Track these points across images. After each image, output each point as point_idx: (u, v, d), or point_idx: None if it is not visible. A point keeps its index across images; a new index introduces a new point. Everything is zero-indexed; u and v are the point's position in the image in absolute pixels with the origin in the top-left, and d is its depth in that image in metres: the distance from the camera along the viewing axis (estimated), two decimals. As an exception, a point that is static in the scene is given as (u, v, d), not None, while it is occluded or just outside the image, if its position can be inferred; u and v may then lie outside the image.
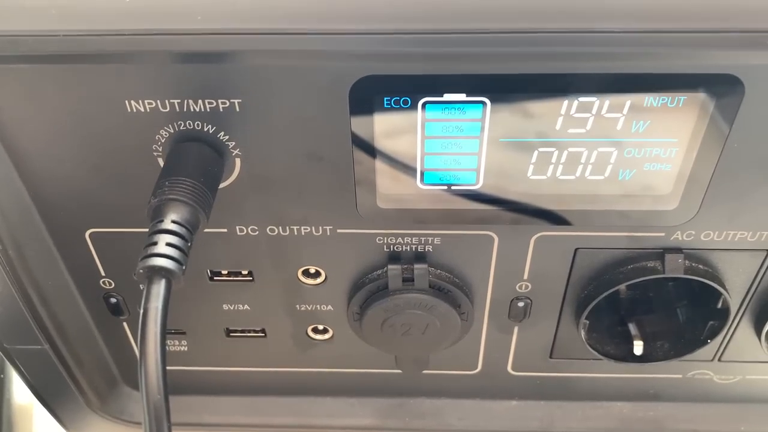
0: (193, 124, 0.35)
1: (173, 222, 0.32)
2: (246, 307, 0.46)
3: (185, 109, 0.34)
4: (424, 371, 0.50)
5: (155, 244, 0.31)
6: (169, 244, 0.31)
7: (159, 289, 0.31)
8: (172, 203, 0.33)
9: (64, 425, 0.53)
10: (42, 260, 0.43)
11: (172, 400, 0.53)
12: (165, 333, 0.30)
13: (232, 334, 0.49)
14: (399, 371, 0.50)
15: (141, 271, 0.31)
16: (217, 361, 0.51)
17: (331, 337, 0.48)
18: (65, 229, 0.42)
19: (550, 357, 0.49)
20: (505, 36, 0.31)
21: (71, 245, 0.43)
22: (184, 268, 0.32)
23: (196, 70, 0.33)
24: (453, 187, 0.38)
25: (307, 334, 0.48)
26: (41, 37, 0.31)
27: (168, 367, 0.50)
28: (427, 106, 0.35)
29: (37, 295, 0.43)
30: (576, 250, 0.42)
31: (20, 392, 0.66)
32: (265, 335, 0.48)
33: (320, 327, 0.48)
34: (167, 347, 0.49)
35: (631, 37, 0.31)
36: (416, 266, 0.42)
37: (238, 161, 0.37)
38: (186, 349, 0.50)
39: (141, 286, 0.34)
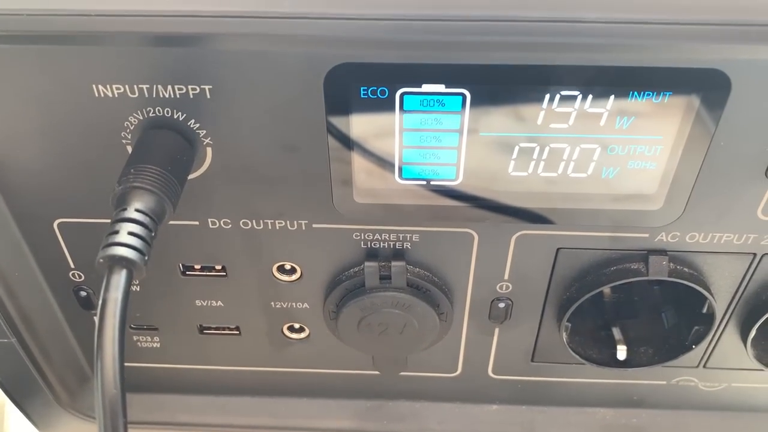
0: (163, 111, 0.34)
1: (137, 211, 0.31)
2: (219, 303, 0.45)
3: (154, 95, 0.33)
4: (403, 373, 0.49)
5: (117, 233, 0.30)
6: (131, 234, 0.30)
7: (119, 279, 0.29)
8: (136, 191, 0.31)
9: (33, 421, 0.52)
10: (9, 251, 0.42)
11: (144, 398, 0.53)
12: (124, 325, 0.29)
13: (205, 331, 0.47)
14: (377, 372, 0.49)
15: (101, 260, 0.30)
16: (190, 358, 0.50)
17: (308, 336, 0.47)
18: (33, 219, 0.40)
19: (532, 360, 0.48)
20: (485, 24, 0.30)
21: (39, 236, 0.41)
22: (146, 258, 0.30)
23: (165, 53, 0.32)
24: (432, 183, 0.37)
25: (282, 332, 0.47)
26: (4, 15, 0.30)
27: (140, 364, 0.50)
28: (405, 97, 0.34)
29: (3, 286, 0.42)
30: (558, 250, 0.40)
31: (-9, 389, 0.64)
32: (240, 333, 0.47)
33: (296, 325, 0.47)
34: (139, 343, 0.48)
35: (615, 27, 0.30)
36: (394, 263, 0.41)
37: (209, 150, 0.36)
38: (158, 345, 0.48)
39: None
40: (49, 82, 0.33)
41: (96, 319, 0.29)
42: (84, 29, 0.31)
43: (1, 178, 0.38)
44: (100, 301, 0.29)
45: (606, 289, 0.43)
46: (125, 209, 0.31)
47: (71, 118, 0.34)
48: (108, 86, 0.33)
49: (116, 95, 0.33)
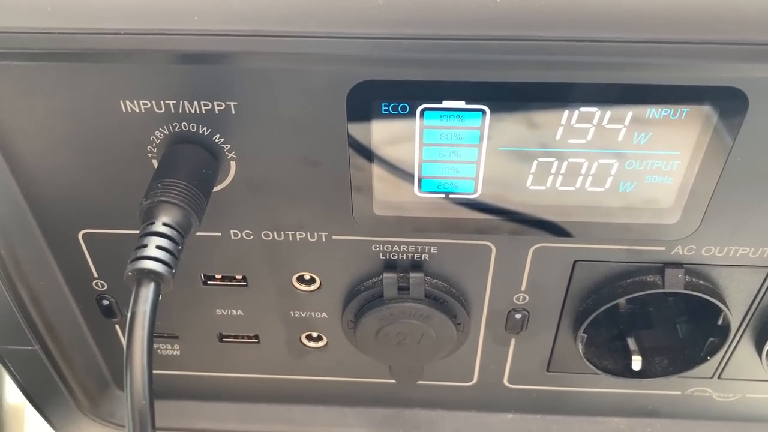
0: (189, 126, 0.35)
1: (164, 225, 0.32)
2: (239, 312, 0.45)
3: (180, 111, 0.34)
4: (419, 382, 0.49)
5: (145, 246, 0.31)
6: (159, 247, 0.31)
7: (147, 292, 0.30)
8: (163, 205, 0.32)
9: (54, 427, 0.53)
10: (34, 261, 0.42)
11: (164, 404, 0.53)
12: (152, 337, 0.30)
13: (225, 340, 0.48)
14: (394, 381, 0.50)
15: (130, 273, 0.30)
16: (210, 366, 0.50)
17: (325, 344, 0.48)
18: (58, 229, 0.41)
19: (547, 370, 0.48)
20: (505, 43, 0.31)
21: (64, 246, 0.42)
22: (173, 271, 0.31)
23: (191, 71, 0.33)
24: (451, 196, 0.38)
25: (300, 341, 0.48)
26: (36, 34, 0.31)
27: (161, 371, 0.51)
28: (425, 113, 0.34)
29: (28, 295, 0.43)
30: (575, 262, 0.41)
31: (12, 392, 0.65)
32: (259, 341, 0.48)
33: (314, 334, 0.47)
34: (159, 351, 0.49)
35: (634, 47, 0.30)
36: (412, 275, 0.41)
37: (233, 164, 0.36)
38: (179, 353, 0.49)
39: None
40: (78, 98, 0.34)
41: (125, 331, 0.30)
42: (113, 47, 0.31)
43: (29, 189, 0.39)
44: (129, 314, 0.30)
45: (622, 300, 0.43)
46: (153, 223, 0.32)
47: (99, 133, 0.35)
48: (135, 102, 0.34)
49: (143, 111, 0.34)
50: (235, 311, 0.45)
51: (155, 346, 0.49)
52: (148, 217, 0.32)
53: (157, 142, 0.35)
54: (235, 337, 0.48)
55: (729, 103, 0.32)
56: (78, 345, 0.48)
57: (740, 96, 0.32)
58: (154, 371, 0.50)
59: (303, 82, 0.33)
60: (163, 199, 0.32)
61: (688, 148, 0.35)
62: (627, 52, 0.31)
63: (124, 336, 0.48)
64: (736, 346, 0.45)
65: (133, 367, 0.29)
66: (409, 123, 0.34)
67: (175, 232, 0.32)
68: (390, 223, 0.39)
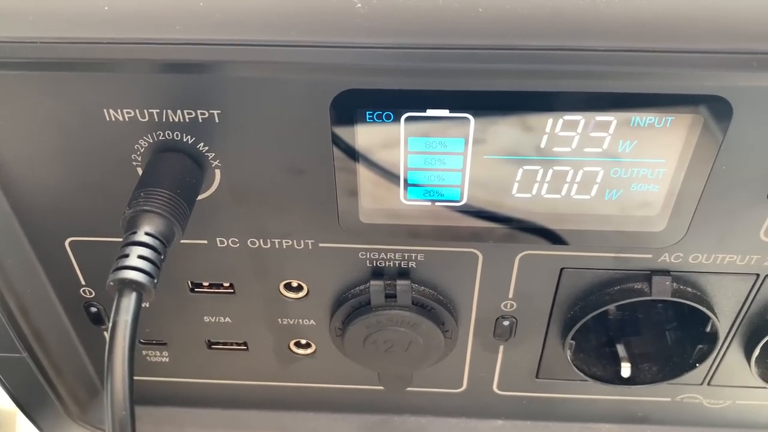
0: (172, 135, 0.35)
1: (147, 234, 0.31)
2: (227, 319, 0.45)
3: (164, 120, 0.34)
4: (409, 388, 0.49)
5: (127, 256, 0.31)
6: (141, 257, 0.31)
7: (129, 302, 0.30)
8: (146, 215, 0.32)
9: (44, 434, 0.53)
10: (21, 268, 0.42)
11: (153, 410, 0.53)
12: (134, 347, 0.30)
13: (213, 347, 0.48)
14: (383, 388, 0.50)
15: (111, 283, 0.30)
16: (199, 373, 0.50)
17: (314, 351, 0.48)
18: (45, 237, 0.41)
19: (537, 377, 0.48)
20: (489, 52, 0.30)
21: (51, 254, 0.42)
22: (155, 281, 0.31)
23: (174, 80, 0.33)
24: (437, 204, 0.38)
25: (289, 348, 0.48)
26: (18, 43, 0.31)
27: (150, 378, 0.51)
28: (409, 121, 0.34)
29: (15, 303, 0.43)
30: (561, 269, 0.41)
31: (3, 398, 0.65)
32: (247, 348, 0.48)
33: (303, 341, 0.47)
34: (148, 357, 0.49)
35: (618, 56, 0.30)
36: (399, 282, 0.41)
37: (218, 172, 0.36)
38: (167, 360, 0.49)
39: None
40: (62, 107, 0.34)
41: (106, 341, 0.30)
42: (96, 56, 0.31)
43: (15, 197, 0.39)
44: (110, 324, 0.30)
45: (610, 307, 0.43)
46: (135, 233, 0.32)
47: (83, 142, 0.35)
48: (119, 111, 0.34)
49: (127, 119, 0.34)
50: (223, 318, 0.45)
51: (144, 353, 0.49)
52: (131, 227, 0.32)
53: (142, 151, 0.35)
54: (224, 344, 0.48)
55: (714, 112, 0.32)
56: (66, 352, 0.48)
57: (725, 104, 0.32)
58: (144, 378, 0.51)
59: (286, 90, 0.33)
60: (145, 208, 0.32)
61: (673, 156, 0.35)
62: (610, 61, 0.31)
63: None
64: (725, 354, 0.45)
65: (114, 377, 0.29)
66: (393, 131, 0.34)
67: (157, 242, 0.32)
68: (376, 230, 0.39)
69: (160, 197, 0.33)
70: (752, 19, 0.30)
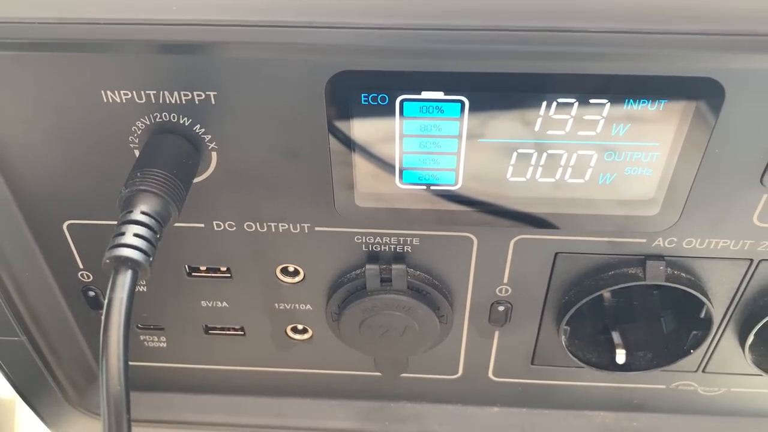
0: (169, 116, 0.35)
1: (143, 213, 0.32)
2: (224, 304, 0.46)
3: (161, 101, 0.34)
4: (404, 374, 0.49)
5: (123, 234, 0.31)
6: (137, 235, 0.31)
7: (125, 279, 0.30)
8: (142, 194, 0.32)
9: (42, 419, 0.53)
10: (19, 252, 0.43)
11: (150, 396, 0.54)
12: (128, 324, 0.30)
13: (210, 332, 0.48)
14: (379, 374, 0.50)
15: (107, 261, 0.31)
16: (196, 358, 0.51)
17: (311, 337, 0.48)
18: (43, 220, 0.41)
19: (532, 363, 0.48)
20: (483, 33, 0.31)
21: (49, 237, 0.42)
22: (151, 259, 0.31)
23: (171, 60, 0.33)
24: (432, 187, 0.38)
25: (286, 333, 0.48)
26: (15, 24, 0.31)
27: (146, 363, 0.51)
28: (404, 103, 0.34)
29: (13, 286, 0.43)
30: (556, 254, 0.41)
31: (2, 386, 0.65)
32: (244, 334, 0.48)
33: (299, 326, 0.47)
34: (146, 342, 0.49)
35: (611, 37, 0.31)
36: (394, 266, 0.41)
37: (214, 155, 0.37)
38: (164, 345, 0.49)
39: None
40: (59, 88, 0.34)
41: (101, 318, 0.30)
42: (93, 37, 0.32)
43: (13, 180, 0.39)
44: (106, 301, 0.30)
45: (605, 294, 0.43)
46: (131, 211, 0.32)
47: (80, 123, 0.35)
48: (116, 92, 0.34)
49: (124, 101, 0.34)
50: (220, 303, 0.46)
51: (141, 338, 0.49)
52: (127, 206, 0.32)
53: (139, 132, 0.35)
54: (221, 329, 0.48)
55: (706, 95, 0.33)
56: (65, 336, 0.48)
57: (717, 87, 0.32)
58: (141, 363, 0.51)
59: (282, 72, 0.33)
60: (141, 187, 0.32)
61: (666, 140, 0.35)
62: (603, 43, 0.31)
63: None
64: (719, 340, 0.45)
65: (109, 354, 0.29)
66: (388, 114, 0.35)
67: (153, 221, 0.32)
68: (372, 214, 0.39)
69: (156, 177, 0.33)
70: (745, 1, 0.30)
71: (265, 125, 0.35)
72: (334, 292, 0.43)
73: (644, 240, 0.40)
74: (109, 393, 0.29)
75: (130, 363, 0.50)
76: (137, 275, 0.31)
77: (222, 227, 0.41)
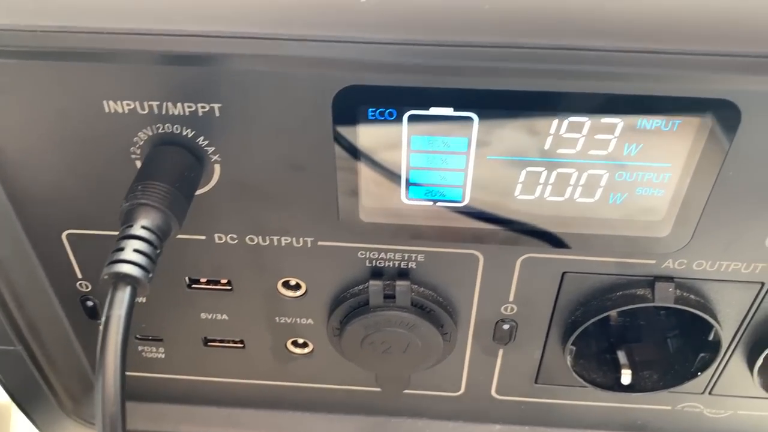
0: (172, 128, 0.34)
1: (143, 227, 0.31)
2: (224, 316, 0.45)
3: (164, 112, 0.33)
4: (406, 390, 0.49)
5: (122, 249, 0.30)
6: (136, 251, 0.30)
7: (123, 296, 0.30)
8: (143, 208, 0.32)
9: (38, 427, 0.52)
10: (18, 260, 0.42)
11: (149, 407, 0.53)
12: (126, 342, 0.29)
13: (210, 344, 0.47)
14: (380, 389, 0.49)
15: (106, 276, 0.30)
16: (195, 370, 0.50)
17: (311, 351, 0.47)
18: (42, 229, 0.41)
19: (536, 382, 0.48)
20: (494, 50, 0.30)
21: (48, 246, 0.42)
22: (150, 275, 0.30)
23: (175, 72, 0.32)
24: (438, 204, 0.37)
25: (286, 347, 0.47)
26: (18, 31, 0.31)
27: (145, 374, 0.50)
28: (412, 119, 0.34)
29: (11, 294, 0.42)
30: (563, 273, 0.40)
31: (-1, 392, 0.65)
32: (244, 346, 0.47)
33: (300, 341, 0.47)
34: (144, 353, 0.48)
35: (625, 56, 0.30)
36: (398, 283, 0.41)
37: (217, 167, 0.36)
38: (163, 356, 0.49)
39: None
40: (61, 98, 0.33)
41: (99, 335, 0.29)
42: (96, 47, 0.31)
43: (12, 188, 0.38)
44: (103, 318, 0.29)
45: (612, 313, 0.42)
46: (131, 226, 0.31)
47: (82, 133, 0.35)
48: (118, 102, 0.33)
49: (126, 111, 0.34)
50: (219, 315, 0.45)
51: (139, 348, 0.48)
52: (127, 220, 0.32)
53: (141, 144, 0.35)
54: (220, 341, 0.47)
55: (721, 116, 0.32)
56: (61, 346, 0.48)
57: (733, 109, 0.32)
58: (139, 374, 0.50)
59: (288, 85, 0.32)
60: (142, 201, 0.32)
61: (679, 161, 0.34)
62: (617, 62, 0.30)
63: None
64: (727, 363, 0.45)
65: (106, 372, 0.28)
66: (396, 129, 0.34)
67: (153, 236, 0.31)
68: (377, 229, 0.38)
69: (157, 190, 0.32)
70: (761, 21, 0.30)
71: (270, 138, 0.34)
72: (337, 307, 0.42)
73: (654, 261, 0.39)
74: (105, 411, 0.28)
75: (128, 373, 0.50)
76: (136, 291, 0.30)
77: (224, 240, 0.40)
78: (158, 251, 0.31)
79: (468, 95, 0.32)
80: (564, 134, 0.34)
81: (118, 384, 0.28)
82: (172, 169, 0.34)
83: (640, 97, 0.32)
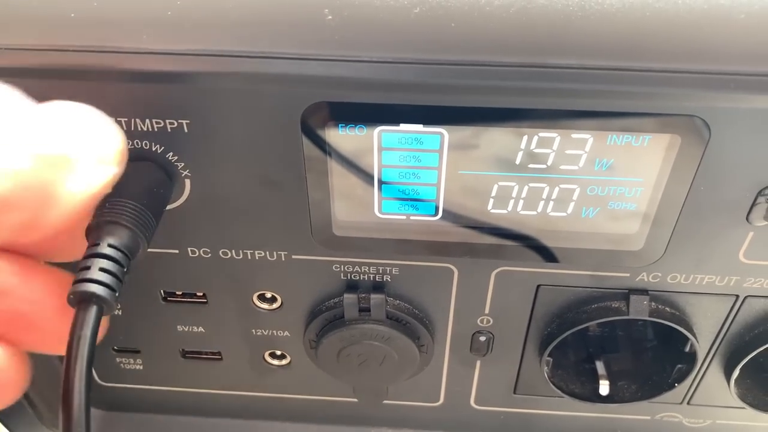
0: (141, 144, 0.34)
1: (110, 246, 0.31)
2: (201, 329, 0.45)
3: (132, 128, 0.33)
4: (385, 401, 0.49)
5: (88, 268, 0.30)
6: (103, 270, 0.30)
7: (89, 316, 0.29)
8: (110, 226, 0.31)
9: (17, 439, 0.52)
10: (-8, 273, 0.42)
11: (127, 417, 0.53)
12: (92, 362, 0.29)
13: (187, 356, 0.47)
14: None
15: (71, 296, 0.30)
16: (173, 381, 0.50)
17: (289, 362, 0.47)
18: (15, 242, 0.40)
19: (514, 393, 0.48)
20: (462, 68, 0.30)
21: (21, 259, 0.41)
22: (117, 295, 0.30)
23: (143, 89, 0.32)
24: (412, 218, 0.37)
25: (264, 359, 0.47)
26: (-17, 50, 0.30)
27: (123, 385, 0.50)
28: (383, 134, 0.33)
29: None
30: (538, 286, 0.40)
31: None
32: (222, 358, 0.47)
33: (278, 352, 0.46)
34: (122, 365, 0.48)
35: (593, 74, 0.30)
36: (373, 296, 0.40)
37: (188, 182, 0.36)
38: (141, 368, 0.48)
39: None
40: (28, 114, 0.33)
41: (65, 356, 0.29)
42: (62, 64, 0.31)
43: (-18, 203, 0.38)
44: (68, 339, 0.29)
45: (589, 324, 0.42)
46: (98, 244, 0.31)
47: (50, 149, 0.34)
48: (86, 119, 0.33)
49: (95, 127, 0.33)
50: (196, 328, 0.45)
51: (117, 360, 0.48)
52: (94, 238, 0.31)
53: (110, 159, 0.35)
54: (198, 353, 0.47)
55: (691, 132, 0.32)
56: (38, 357, 0.47)
57: (703, 125, 0.31)
58: (117, 384, 0.50)
59: (257, 102, 0.32)
60: (109, 219, 0.31)
61: (651, 175, 0.34)
62: (586, 79, 0.30)
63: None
64: (705, 373, 0.45)
65: (72, 397, 0.28)
66: (366, 144, 0.34)
67: (120, 254, 0.31)
68: (350, 243, 0.38)
69: (125, 208, 0.32)
70: (731, 40, 0.30)
71: (240, 154, 0.34)
72: (313, 319, 0.42)
73: (628, 274, 0.39)
74: (69, 433, 0.28)
75: (108, 384, 0.50)
76: (102, 311, 0.30)
77: (197, 253, 0.40)
78: (126, 270, 0.31)
79: (437, 111, 0.32)
80: (534, 149, 0.33)
81: (82, 405, 0.28)
82: (141, 186, 0.33)
83: (609, 114, 0.32)
